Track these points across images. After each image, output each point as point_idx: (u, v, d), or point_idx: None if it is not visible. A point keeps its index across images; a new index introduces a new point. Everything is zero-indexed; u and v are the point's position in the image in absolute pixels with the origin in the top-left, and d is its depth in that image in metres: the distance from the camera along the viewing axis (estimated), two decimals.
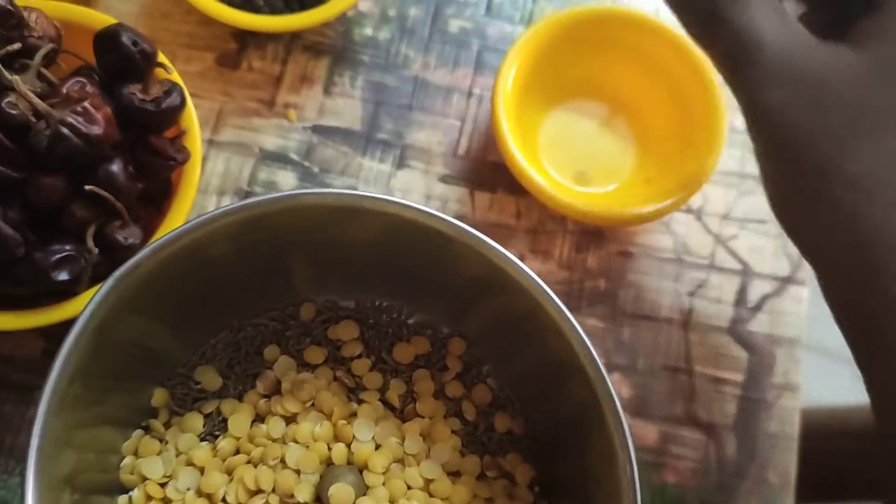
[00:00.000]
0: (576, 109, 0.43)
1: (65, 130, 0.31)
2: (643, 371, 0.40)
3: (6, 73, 0.32)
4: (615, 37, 0.42)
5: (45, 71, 0.34)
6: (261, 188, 0.41)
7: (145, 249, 0.28)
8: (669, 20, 0.41)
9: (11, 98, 0.32)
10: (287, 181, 0.41)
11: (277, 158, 0.41)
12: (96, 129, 0.31)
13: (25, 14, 0.35)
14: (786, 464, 0.39)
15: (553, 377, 0.30)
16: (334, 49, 0.44)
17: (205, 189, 0.41)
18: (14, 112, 0.31)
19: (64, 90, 0.32)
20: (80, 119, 0.31)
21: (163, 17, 0.43)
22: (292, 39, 0.44)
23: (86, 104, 0.31)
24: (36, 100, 0.31)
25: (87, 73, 0.36)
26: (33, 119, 0.32)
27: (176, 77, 0.36)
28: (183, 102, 0.35)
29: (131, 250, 0.34)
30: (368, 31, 0.44)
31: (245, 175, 0.41)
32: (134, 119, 0.33)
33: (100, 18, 0.37)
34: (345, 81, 0.43)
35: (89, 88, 0.33)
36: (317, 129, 0.42)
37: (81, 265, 0.32)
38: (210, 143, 0.41)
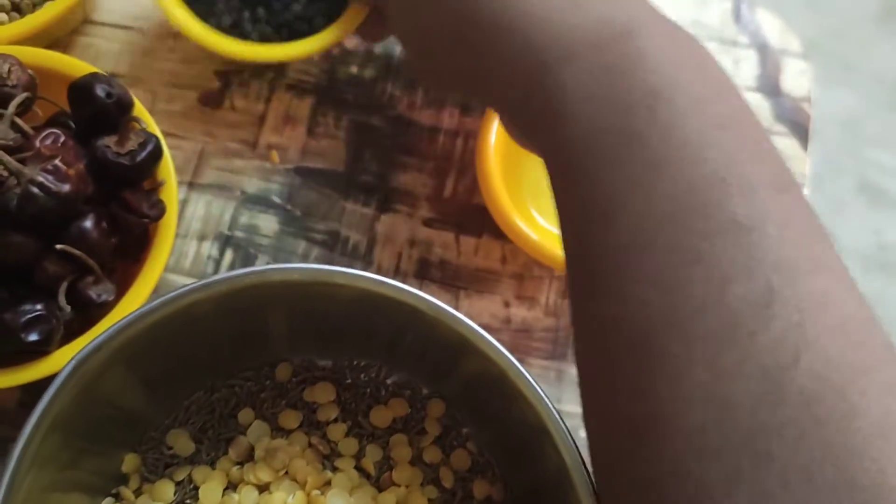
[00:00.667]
0: None
1: (34, 189, 0.30)
2: None
3: None
4: None
5: (18, 120, 0.33)
6: (241, 232, 0.40)
7: (112, 327, 0.27)
8: None
9: None
10: (269, 225, 0.40)
11: (259, 201, 0.41)
12: (66, 187, 0.31)
13: (1, 61, 0.34)
14: None
15: (530, 441, 0.30)
16: (318, 88, 0.43)
17: (185, 234, 0.40)
18: None
19: (37, 144, 0.32)
20: (50, 178, 0.30)
21: (145, 55, 0.43)
22: (276, 77, 0.43)
23: (56, 162, 0.31)
24: (7, 158, 0.30)
25: (62, 121, 0.35)
26: (4, 174, 0.31)
27: (153, 128, 0.35)
28: (159, 154, 0.34)
29: (104, 307, 0.33)
30: (353, 70, 0.43)
31: (226, 219, 0.40)
32: (108, 172, 0.33)
33: (76, 65, 0.36)
34: (329, 121, 0.42)
35: (63, 142, 0.32)
36: (299, 171, 0.41)
37: (52, 325, 0.32)
38: (191, 185, 0.41)
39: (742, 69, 0.46)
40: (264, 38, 0.39)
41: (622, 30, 0.26)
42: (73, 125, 0.35)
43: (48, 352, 0.32)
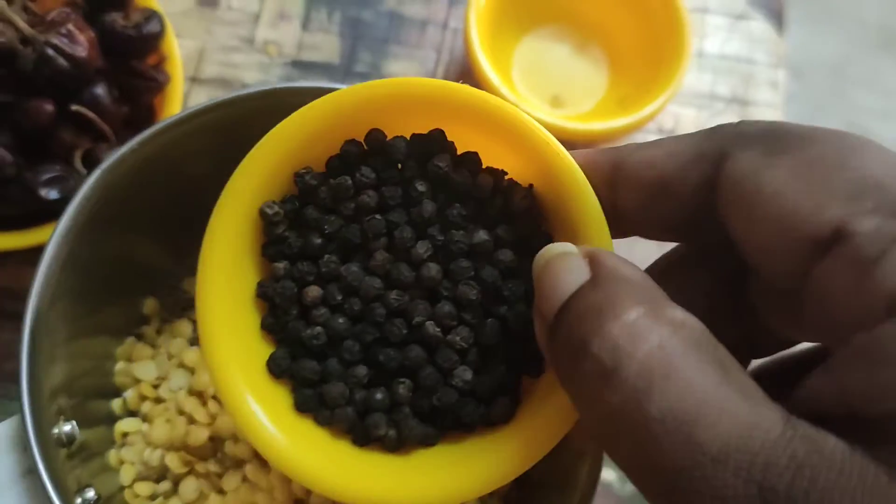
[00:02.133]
0: (548, 36, 0.44)
1: (50, 52, 0.32)
2: None
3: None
4: None
5: (29, 4, 0.35)
6: None
7: (119, 150, 0.28)
8: None
9: None
10: None
11: None
12: (80, 51, 0.32)
13: None
14: None
15: None
16: None
17: None
18: (1, 39, 0.33)
19: (48, 18, 0.34)
20: (64, 41, 0.32)
21: None
22: None
23: (69, 26, 0.32)
24: (22, 24, 0.32)
25: (69, 3, 0.37)
26: (20, 46, 0.33)
27: (155, 5, 0.37)
28: (162, 29, 0.36)
29: None
30: None
31: None
32: (116, 44, 0.34)
33: None
34: (322, 17, 0.44)
35: (71, 14, 0.34)
36: (296, 64, 0.43)
37: (70, 185, 0.34)
38: (193, 80, 0.42)
39: None
40: None
41: None
42: (80, 7, 0.37)
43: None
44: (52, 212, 0.34)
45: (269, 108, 0.29)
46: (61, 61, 0.32)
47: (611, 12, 0.43)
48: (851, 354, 0.16)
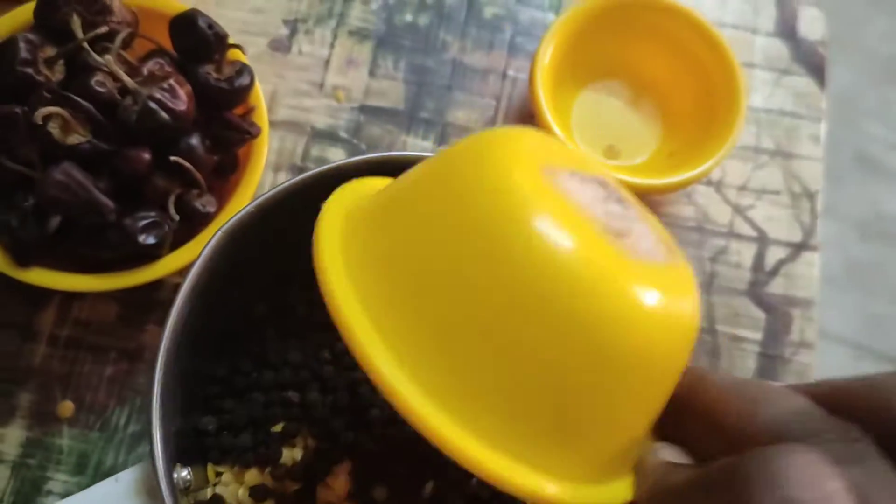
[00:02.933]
0: (605, 89, 0.46)
1: (153, 105, 0.33)
2: None
3: (96, 55, 0.35)
4: (641, 21, 0.45)
5: (124, 53, 0.36)
6: (312, 164, 0.44)
7: (237, 214, 0.30)
8: (690, 4, 0.44)
9: (99, 77, 0.34)
10: (337, 157, 0.44)
11: (328, 136, 0.44)
12: (181, 105, 0.34)
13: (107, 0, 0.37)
14: None
15: None
16: (377, 34, 0.47)
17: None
18: (102, 90, 0.34)
19: (145, 70, 0.35)
20: (167, 95, 0.34)
21: (217, 6, 0.46)
22: (338, 25, 0.47)
23: (171, 81, 0.34)
24: (126, 78, 0.33)
25: (160, 55, 0.39)
26: (119, 96, 0.34)
27: (243, 57, 0.38)
28: (252, 81, 0.37)
29: (207, 217, 0.37)
30: (409, 18, 0.47)
31: (298, 152, 0.44)
32: (209, 96, 0.36)
33: (172, 5, 0.39)
34: (388, 64, 0.46)
35: (169, 68, 0.36)
36: (363, 109, 0.45)
37: (165, 230, 0.35)
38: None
39: (762, 16, 0.50)
40: None
41: None
42: (171, 59, 0.38)
43: (159, 255, 0.36)
44: (143, 255, 0.35)
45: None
46: (163, 115, 0.33)
47: (665, 68, 0.45)
48: None
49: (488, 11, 0.48)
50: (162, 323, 0.38)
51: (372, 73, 0.46)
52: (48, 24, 0.36)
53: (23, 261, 0.35)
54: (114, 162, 0.34)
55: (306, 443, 0.32)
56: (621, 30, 0.45)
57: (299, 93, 0.45)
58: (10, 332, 0.40)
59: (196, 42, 0.36)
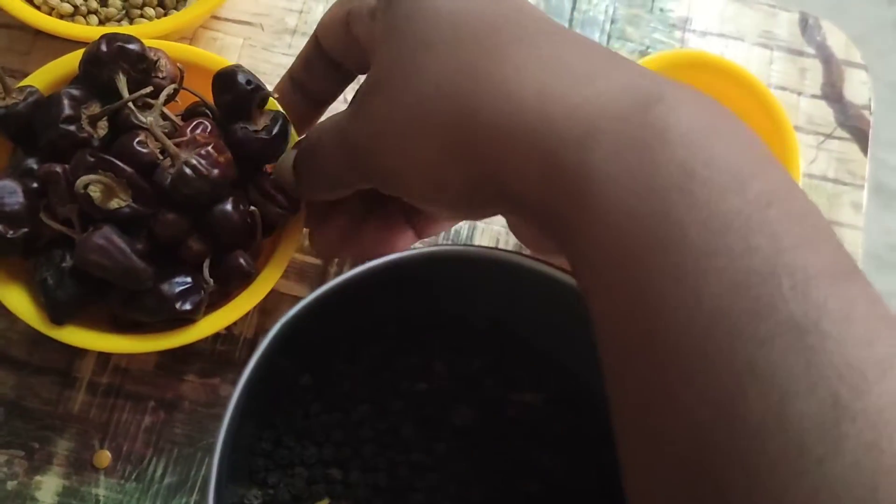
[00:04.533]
0: None
1: (188, 171, 0.32)
2: None
3: (140, 116, 0.34)
4: (687, 79, 0.44)
5: (166, 110, 0.35)
6: None
7: (294, 307, 0.29)
8: (733, 57, 0.44)
9: (142, 137, 0.33)
10: None
11: None
12: (217, 172, 0.33)
13: (153, 55, 0.36)
14: None
15: None
16: None
17: None
18: (145, 151, 0.33)
19: (188, 132, 0.34)
20: (203, 162, 0.32)
21: (264, 50, 0.45)
22: None
23: (209, 148, 0.33)
24: (168, 142, 0.32)
25: (200, 110, 0.37)
26: (159, 157, 0.33)
27: (277, 106, 0.37)
28: (288, 129, 0.36)
29: (246, 279, 0.35)
30: None
31: None
32: (247, 150, 0.35)
33: (214, 59, 0.39)
34: None
35: (211, 131, 0.34)
36: None
37: (201, 295, 0.34)
38: None
39: (808, 77, 0.49)
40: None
41: (647, 99, 0.22)
42: (209, 112, 0.37)
43: (194, 319, 0.35)
44: (179, 318, 0.35)
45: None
46: (199, 183, 0.32)
47: None
48: None
49: None
50: (201, 374, 0.39)
51: None
52: (93, 80, 0.35)
53: (57, 319, 0.34)
54: (152, 225, 0.34)
55: None
56: None
57: None
58: (50, 377, 0.39)
59: (235, 98, 0.35)
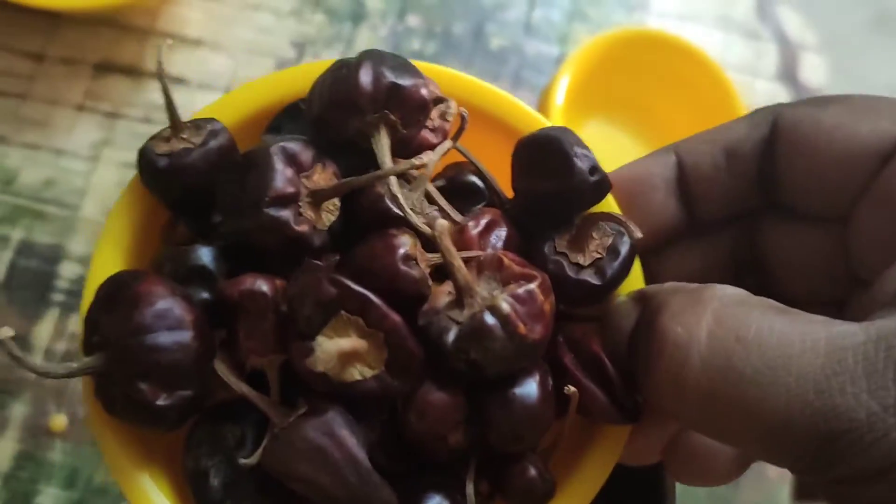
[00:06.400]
0: (609, 121, 0.46)
1: (493, 323, 0.19)
2: None
3: (403, 202, 0.20)
4: (645, 56, 0.45)
5: (433, 189, 0.22)
6: None
7: None
8: (691, 39, 0.44)
9: (408, 248, 0.20)
10: None
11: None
12: (539, 331, 0.20)
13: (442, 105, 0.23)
14: None
15: None
16: None
17: None
18: (412, 273, 0.20)
19: (476, 237, 0.21)
20: (521, 310, 0.20)
21: (226, 24, 0.45)
22: (346, 49, 0.46)
23: (532, 286, 0.20)
24: (460, 264, 0.19)
25: (470, 183, 0.24)
26: (430, 283, 0.21)
27: (614, 207, 0.24)
28: (632, 262, 0.23)
29: (545, 500, 0.22)
30: (416, 45, 0.46)
31: None
32: (558, 293, 0.21)
33: (521, 114, 0.25)
34: None
35: (512, 241, 0.22)
36: None
37: None
38: None
39: (763, 61, 0.49)
40: None
41: None
42: (486, 188, 0.23)
43: None
44: None
45: None
46: (508, 347, 0.20)
47: (670, 104, 0.45)
48: None
49: (495, 43, 0.47)
50: None
51: None
52: (330, 133, 0.21)
53: None
54: (402, 409, 0.21)
55: None
56: (627, 65, 0.45)
57: None
58: None
59: (561, 188, 0.22)
